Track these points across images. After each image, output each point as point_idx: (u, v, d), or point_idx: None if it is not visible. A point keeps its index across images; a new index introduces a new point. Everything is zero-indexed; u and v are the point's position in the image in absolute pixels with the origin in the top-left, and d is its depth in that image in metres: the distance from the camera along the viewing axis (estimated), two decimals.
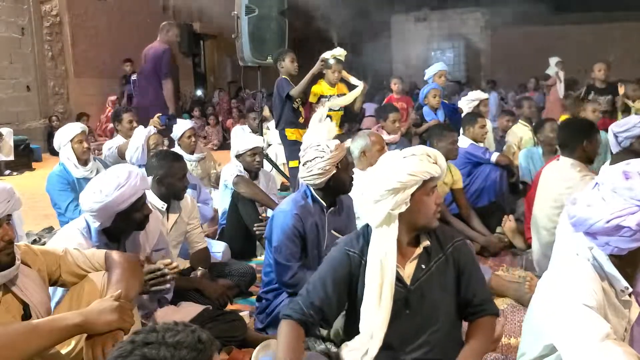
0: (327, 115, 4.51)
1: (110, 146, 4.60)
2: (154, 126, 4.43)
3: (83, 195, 2.26)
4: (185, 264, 3.23)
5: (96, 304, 1.67)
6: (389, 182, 1.75)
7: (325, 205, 2.64)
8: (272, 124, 6.38)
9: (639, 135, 3.55)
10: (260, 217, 3.81)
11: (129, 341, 1.07)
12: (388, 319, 1.75)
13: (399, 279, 1.79)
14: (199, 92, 14.34)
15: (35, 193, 5.90)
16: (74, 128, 3.90)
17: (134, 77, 10.01)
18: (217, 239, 3.89)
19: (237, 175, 3.93)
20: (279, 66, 4.92)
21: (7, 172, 8.02)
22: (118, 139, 4.70)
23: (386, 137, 5.20)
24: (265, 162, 4.88)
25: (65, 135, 3.85)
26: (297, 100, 4.83)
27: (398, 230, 1.79)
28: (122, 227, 2.30)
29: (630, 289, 1.54)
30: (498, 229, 4.14)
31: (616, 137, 3.63)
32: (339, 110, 4.99)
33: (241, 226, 3.83)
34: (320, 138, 2.56)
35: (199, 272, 3.00)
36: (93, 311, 1.64)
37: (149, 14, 12.34)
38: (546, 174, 3.49)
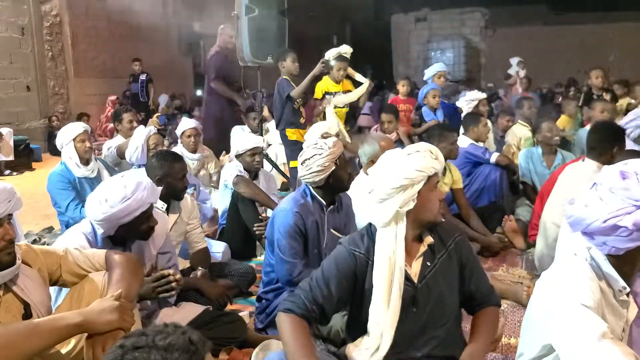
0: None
1: (109, 146, 4.61)
2: (154, 126, 4.45)
3: (89, 201, 2.23)
4: (185, 264, 3.23)
5: (96, 304, 1.67)
6: (395, 180, 1.75)
7: (324, 203, 2.64)
8: (272, 124, 6.39)
9: None
10: (260, 217, 3.81)
11: (118, 346, 1.06)
12: (397, 318, 1.75)
13: (406, 277, 1.79)
14: (199, 92, 14.35)
15: (35, 193, 5.91)
16: (77, 127, 3.93)
17: (142, 77, 10.04)
18: (217, 239, 3.89)
19: (237, 175, 3.93)
20: (280, 66, 4.93)
21: (7, 172, 8.02)
22: (118, 139, 4.72)
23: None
24: (265, 162, 4.89)
25: (68, 134, 3.87)
26: (297, 100, 4.84)
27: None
28: (125, 236, 2.29)
29: (628, 289, 1.55)
30: (498, 229, 4.15)
31: (624, 131, 3.61)
32: (344, 107, 5.00)
33: (241, 226, 3.83)
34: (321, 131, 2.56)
35: (199, 272, 2.99)
36: (93, 311, 1.64)
37: (149, 14, 12.35)
38: (567, 174, 3.42)
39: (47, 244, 3.78)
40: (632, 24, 15.49)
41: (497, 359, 2.50)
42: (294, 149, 4.69)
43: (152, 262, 2.42)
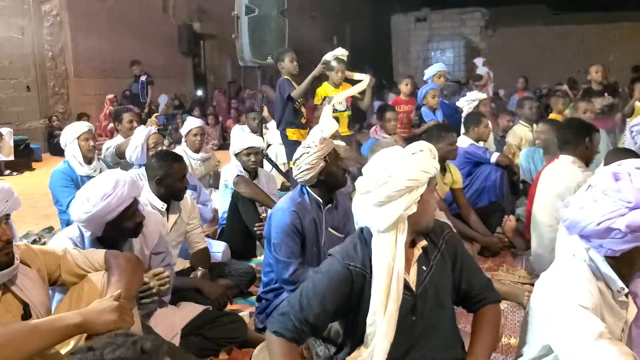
0: (334, 117, 4.53)
1: (108, 146, 4.62)
2: (153, 125, 4.45)
3: (72, 204, 2.21)
4: (185, 264, 3.23)
5: (96, 304, 1.67)
6: (399, 182, 1.63)
7: (322, 202, 2.65)
8: (271, 124, 6.39)
9: None
10: (260, 217, 3.81)
11: None
12: (394, 330, 1.67)
13: (405, 285, 1.69)
14: (199, 92, 14.36)
15: (35, 193, 5.91)
16: (81, 126, 4.00)
17: (143, 78, 10.05)
18: (217, 239, 3.89)
19: (237, 175, 3.93)
20: (279, 66, 4.92)
21: (7, 172, 8.03)
22: (118, 139, 4.72)
23: (386, 136, 5.22)
24: (265, 162, 4.88)
25: (72, 132, 3.92)
26: (298, 100, 4.83)
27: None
28: (114, 235, 2.25)
29: (626, 290, 1.54)
30: (498, 229, 4.14)
31: (631, 132, 3.63)
32: (345, 110, 4.98)
33: (241, 226, 3.83)
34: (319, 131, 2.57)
35: (199, 272, 3.00)
36: (93, 311, 1.63)
37: (149, 14, 12.35)
38: (546, 173, 3.49)
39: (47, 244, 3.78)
40: (632, 23, 15.50)
41: (497, 359, 2.49)
42: (294, 149, 4.66)
43: (144, 262, 2.41)
